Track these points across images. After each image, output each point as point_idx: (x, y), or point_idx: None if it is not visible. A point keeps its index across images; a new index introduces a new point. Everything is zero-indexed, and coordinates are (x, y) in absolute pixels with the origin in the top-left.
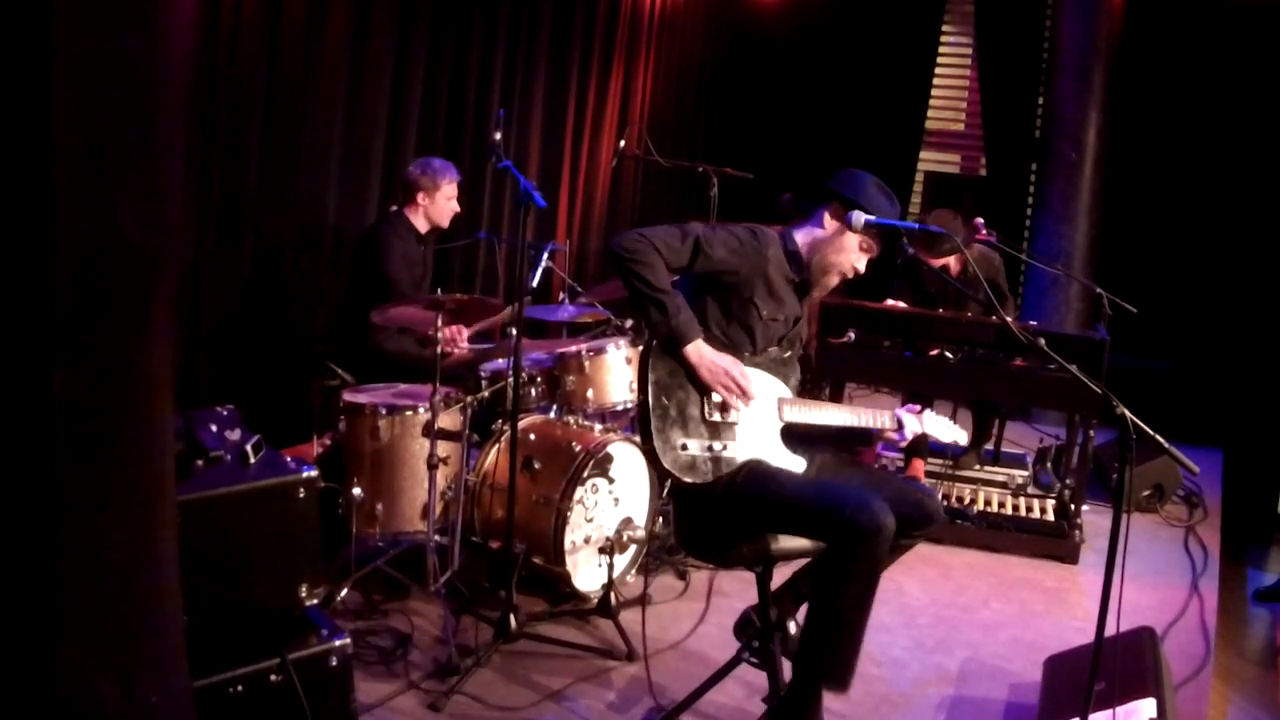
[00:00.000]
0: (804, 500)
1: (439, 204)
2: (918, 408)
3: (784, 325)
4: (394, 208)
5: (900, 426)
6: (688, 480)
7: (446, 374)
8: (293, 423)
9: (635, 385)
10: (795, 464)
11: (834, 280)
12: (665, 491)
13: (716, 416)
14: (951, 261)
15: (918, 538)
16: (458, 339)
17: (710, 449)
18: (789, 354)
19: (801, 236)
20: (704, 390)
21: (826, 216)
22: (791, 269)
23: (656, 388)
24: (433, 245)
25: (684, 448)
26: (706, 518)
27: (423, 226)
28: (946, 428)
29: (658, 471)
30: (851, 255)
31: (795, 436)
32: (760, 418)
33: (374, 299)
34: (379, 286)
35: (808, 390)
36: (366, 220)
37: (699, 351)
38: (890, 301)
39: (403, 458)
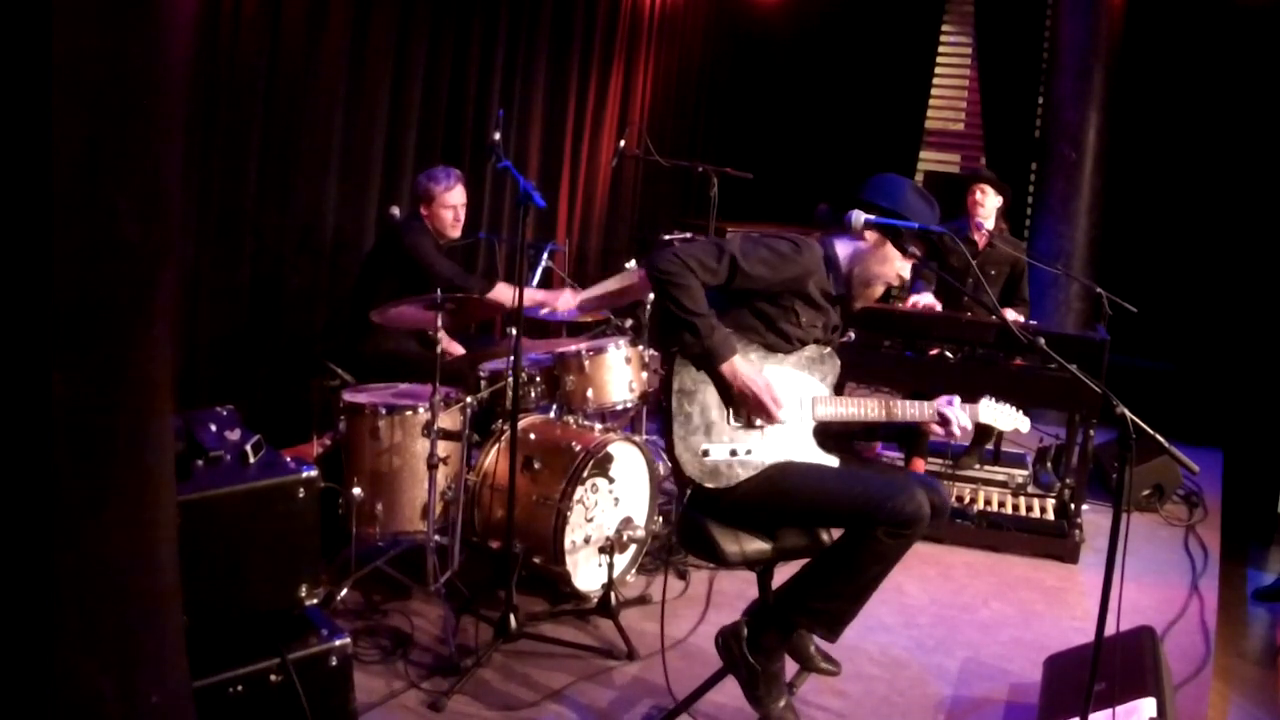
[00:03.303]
0: (846, 492)
1: (436, 213)
2: (951, 399)
3: (822, 332)
4: (395, 210)
5: (945, 422)
6: (710, 486)
7: (446, 374)
8: (293, 423)
9: (634, 386)
10: (828, 461)
11: (878, 291)
12: (685, 497)
13: (743, 419)
14: (995, 212)
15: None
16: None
17: (734, 453)
18: (828, 350)
19: (843, 249)
20: (734, 402)
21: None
22: (831, 283)
23: (680, 395)
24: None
25: (705, 454)
26: (722, 519)
27: (434, 232)
28: (1007, 416)
29: (679, 479)
30: (896, 264)
31: (827, 434)
32: (791, 419)
33: (415, 291)
34: (420, 281)
35: None
36: (367, 221)
37: (734, 369)
38: (916, 300)
39: (403, 458)
